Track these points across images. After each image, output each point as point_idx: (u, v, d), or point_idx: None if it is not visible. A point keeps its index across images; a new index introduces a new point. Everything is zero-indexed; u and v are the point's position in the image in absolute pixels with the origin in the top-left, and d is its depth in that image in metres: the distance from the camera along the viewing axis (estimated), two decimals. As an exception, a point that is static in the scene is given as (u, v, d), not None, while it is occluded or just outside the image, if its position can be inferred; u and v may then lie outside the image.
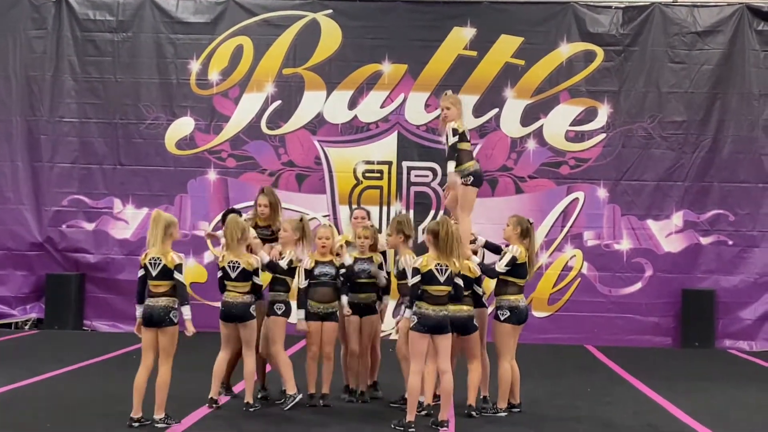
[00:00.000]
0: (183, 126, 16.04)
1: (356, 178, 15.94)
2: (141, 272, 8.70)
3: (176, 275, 8.59)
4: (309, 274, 9.76)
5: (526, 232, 9.53)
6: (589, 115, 15.82)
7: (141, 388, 8.57)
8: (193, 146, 16.03)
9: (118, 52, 16.11)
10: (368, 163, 15.96)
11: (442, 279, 8.78)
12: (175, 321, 8.59)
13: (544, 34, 15.84)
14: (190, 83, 16.04)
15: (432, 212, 15.73)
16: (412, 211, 15.68)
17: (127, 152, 16.06)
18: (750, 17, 15.72)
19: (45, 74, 16.12)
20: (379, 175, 15.94)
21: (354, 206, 15.46)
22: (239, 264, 9.34)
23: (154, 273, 8.61)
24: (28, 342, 14.50)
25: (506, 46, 15.80)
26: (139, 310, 8.68)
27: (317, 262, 9.82)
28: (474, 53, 15.83)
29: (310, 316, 9.75)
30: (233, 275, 9.35)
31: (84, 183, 16.10)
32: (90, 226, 16.08)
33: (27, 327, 15.94)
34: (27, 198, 16.08)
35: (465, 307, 9.24)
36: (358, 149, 15.96)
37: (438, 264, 8.80)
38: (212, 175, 16.00)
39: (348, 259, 9.92)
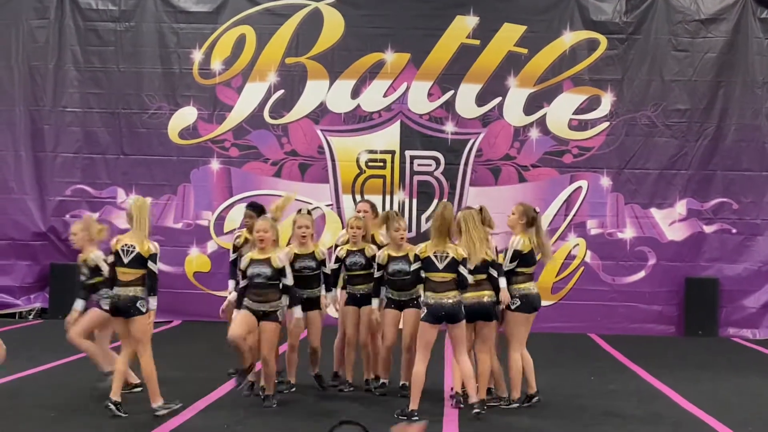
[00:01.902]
0: (186, 116, 16.02)
1: (359, 167, 15.93)
2: (111, 258, 8.54)
3: (150, 264, 8.48)
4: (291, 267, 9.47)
5: (531, 222, 9.39)
6: (592, 103, 15.80)
7: (121, 373, 8.54)
8: (196, 136, 16.02)
9: (121, 42, 16.09)
10: (371, 152, 15.94)
11: (440, 266, 8.72)
12: (143, 310, 8.46)
13: (547, 22, 15.80)
14: (192, 73, 16.02)
15: (435, 201, 15.72)
16: (415, 201, 15.68)
17: (130, 142, 16.06)
18: (753, 5, 15.67)
19: (48, 64, 16.10)
20: (382, 164, 15.93)
21: (358, 197, 15.47)
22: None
23: (126, 260, 8.48)
24: (33, 332, 14.51)
25: (509, 34, 15.76)
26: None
27: (296, 255, 9.61)
28: (477, 42, 15.80)
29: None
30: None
31: (87, 173, 16.09)
32: (93, 216, 16.05)
33: (31, 317, 15.97)
34: (30, 188, 16.09)
35: (486, 293, 9.06)
36: (361, 138, 15.94)
37: (437, 251, 8.75)
38: (215, 164, 15.99)
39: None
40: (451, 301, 8.71)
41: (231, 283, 9.91)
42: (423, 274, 8.78)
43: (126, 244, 8.53)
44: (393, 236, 9.62)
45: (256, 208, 10.52)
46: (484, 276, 9.06)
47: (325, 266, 9.76)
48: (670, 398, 10.12)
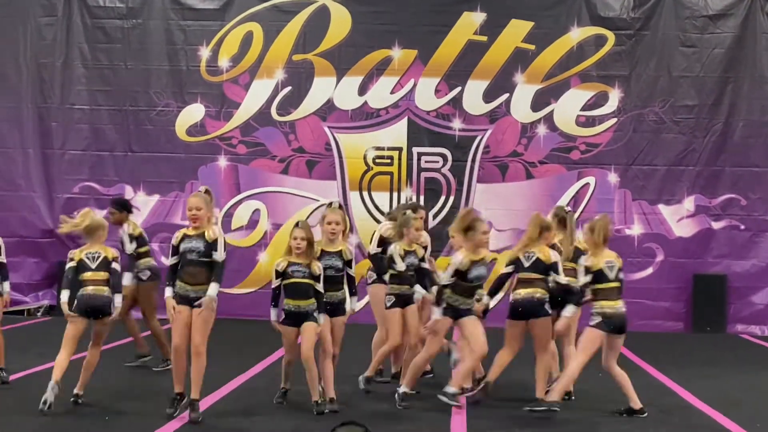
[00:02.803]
0: (193, 113, 16.05)
1: (366, 164, 15.93)
2: (73, 264, 9.01)
3: (114, 265, 8.98)
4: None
5: (562, 223, 9.47)
6: (599, 99, 15.77)
7: (63, 366, 8.70)
8: (204, 133, 16.04)
9: (128, 39, 16.11)
10: (378, 149, 15.94)
11: (612, 275, 8.76)
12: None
13: (555, 18, 15.78)
14: (200, 70, 16.04)
15: (442, 198, 15.73)
16: (422, 197, 15.68)
17: (137, 139, 16.09)
18: (761, 0, 15.63)
19: (55, 61, 16.14)
20: (389, 161, 15.93)
21: (365, 195, 15.53)
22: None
23: (93, 265, 8.89)
24: (41, 329, 14.53)
25: (516, 30, 15.75)
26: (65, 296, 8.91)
27: (323, 252, 8.94)
28: (484, 38, 15.78)
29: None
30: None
31: (95, 170, 16.13)
32: (101, 213, 16.00)
33: (39, 314, 16.00)
34: (38, 185, 16.14)
35: (539, 290, 8.95)
36: (368, 135, 15.94)
37: (608, 261, 8.76)
38: (223, 161, 16.01)
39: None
40: (624, 309, 8.83)
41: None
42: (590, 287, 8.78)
43: (90, 252, 9.04)
44: (479, 239, 8.95)
45: (119, 204, 11.18)
46: (540, 276, 9.00)
47: (351, 267, 9.13)
48: (678, 395, 10.11)
